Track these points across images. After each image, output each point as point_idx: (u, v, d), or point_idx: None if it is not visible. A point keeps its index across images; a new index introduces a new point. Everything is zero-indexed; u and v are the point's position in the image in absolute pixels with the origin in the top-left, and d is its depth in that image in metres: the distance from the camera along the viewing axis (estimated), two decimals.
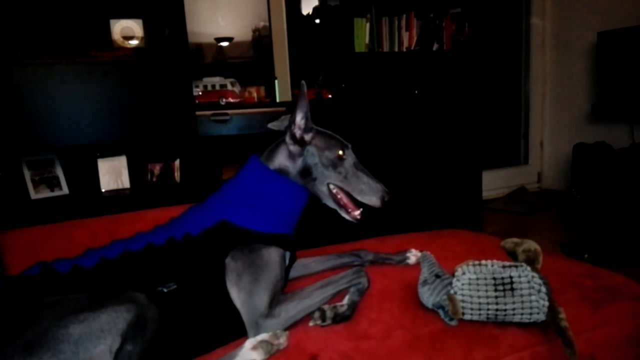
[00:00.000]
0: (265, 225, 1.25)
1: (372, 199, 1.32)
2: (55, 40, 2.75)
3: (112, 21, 2.87)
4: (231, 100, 3.21)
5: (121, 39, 2.89)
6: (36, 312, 0.99)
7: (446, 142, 3.71)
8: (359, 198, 1.33)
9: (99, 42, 2.83)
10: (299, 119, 1.32)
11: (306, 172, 1.33)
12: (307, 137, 1.34)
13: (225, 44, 3.41)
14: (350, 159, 1.35)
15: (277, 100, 3.39)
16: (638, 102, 3.81)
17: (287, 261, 1.32)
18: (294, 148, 1.33)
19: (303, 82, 1.34)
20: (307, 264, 1.50)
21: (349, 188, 1.33)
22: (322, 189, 1.34)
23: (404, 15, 3.74)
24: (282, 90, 3.45)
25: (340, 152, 1.33)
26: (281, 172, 1.33)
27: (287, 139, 1.34)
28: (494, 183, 4.73)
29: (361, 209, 1.35)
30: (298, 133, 1.33)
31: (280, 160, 1.35)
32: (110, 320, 0.94)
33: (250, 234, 1.22)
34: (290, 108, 3.28)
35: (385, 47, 3.75)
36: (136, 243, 1.21)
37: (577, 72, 4.59)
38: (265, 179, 1.31)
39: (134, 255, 1.18)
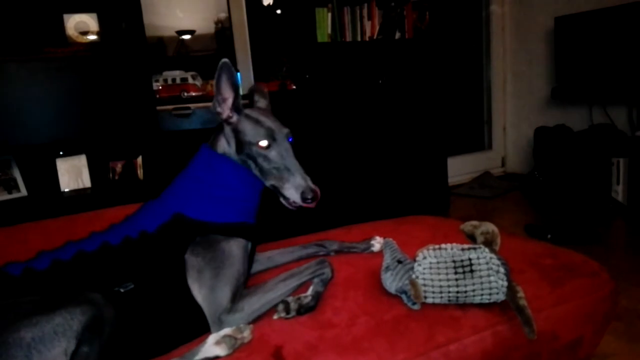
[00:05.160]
0: (221, 215, 1.22)
1: (293, 194, 1.19)
2: (6, 38, 2.66)
3: (65, 16, 2.80)
4: (193, 93, 3.17)
5: (76, 34, 2.82)
6: None
7: (411, 130, 3.74)
8: (281, 191, 1.21)
9: (53, 38, 2.76)
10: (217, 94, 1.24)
11: (243, 159, 1.26)
12: (233, 118, 1.26)
13: (187, 37, 3.36)
14: (278, 149, 1.23)
15: (240, 92, 3.36)
16: (595, 85, 3.91)
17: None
18: (227, 130, 1.27)
19: (225, 60, 1.25)
20: (272, 256, 1.48)
21: (273, 180, 1.23)
22: (258, 174, 1.26)
23: (366, 5, 3.73)
24: (244, 83, 3.42)
25: (262, 144, 1.22)
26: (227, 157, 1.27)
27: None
28: (460, 169, 4.79)
29: None
30: (225, 113, 1.25)
31: (223, 145, 1.28)
32: (65, 322, 0.91)
33: (206, 225, 1.19)
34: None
35: (348, 37, 3.74)
36: (90, 243, 1.17)
37: (537, 57, 4.67)
38: (215, 165, 1.26)
39: (88, 256, 1.14)
